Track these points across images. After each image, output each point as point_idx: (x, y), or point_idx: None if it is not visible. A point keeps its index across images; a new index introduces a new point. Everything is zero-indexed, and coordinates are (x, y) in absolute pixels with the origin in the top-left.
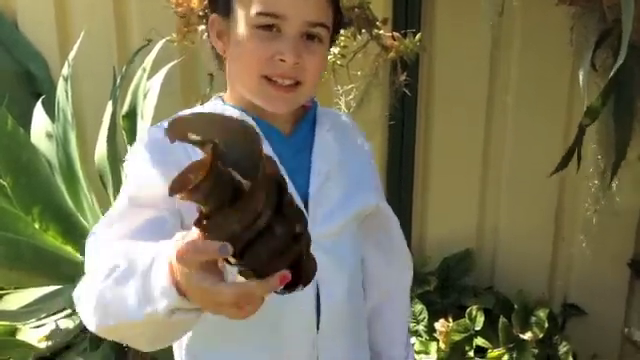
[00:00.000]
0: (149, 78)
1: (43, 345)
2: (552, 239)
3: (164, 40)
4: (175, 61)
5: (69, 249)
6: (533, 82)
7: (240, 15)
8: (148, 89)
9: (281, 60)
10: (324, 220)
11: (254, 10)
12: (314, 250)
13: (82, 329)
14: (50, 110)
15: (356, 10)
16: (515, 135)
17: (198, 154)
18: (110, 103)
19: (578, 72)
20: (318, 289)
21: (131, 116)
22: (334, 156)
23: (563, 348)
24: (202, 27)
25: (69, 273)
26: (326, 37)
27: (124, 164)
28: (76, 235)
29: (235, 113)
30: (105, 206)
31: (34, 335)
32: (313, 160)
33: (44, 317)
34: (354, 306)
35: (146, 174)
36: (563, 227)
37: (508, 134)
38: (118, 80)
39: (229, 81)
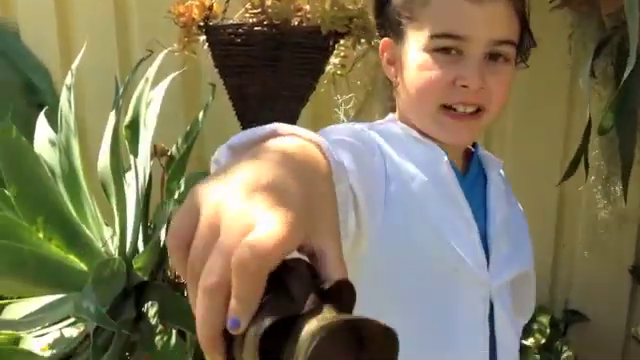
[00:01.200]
0: (152, 88)
1: (46, 354)
2: (553, 246)
3: (166, 51)
4: (178, 72)
5: (72, 258)
6: (532, 88)
7: (414, 38)
8: (151, 99)
9: (463, 86)
10: (502, 266)
11: (431, 32)
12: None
13: (85, 337)
14: (53, 121)
15: (355, 20)
16: (514, 144)
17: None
18: (113, 113)
19: (577, 80)
20: (495, 344)
21: (134, 126)
22: (505, 205)
23: (565, 354)
24: (203, 37)
25: (72, 282)
26: (512, 55)
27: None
28: (79, 244)
29: (425, 141)
30: (107, 216)
31: (37, 344)
32: (489, 201)
33: (47, 326)
34: None
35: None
36: (563, 234)
37: (507, 143)
38: (121, 90)
39: (400, 110)
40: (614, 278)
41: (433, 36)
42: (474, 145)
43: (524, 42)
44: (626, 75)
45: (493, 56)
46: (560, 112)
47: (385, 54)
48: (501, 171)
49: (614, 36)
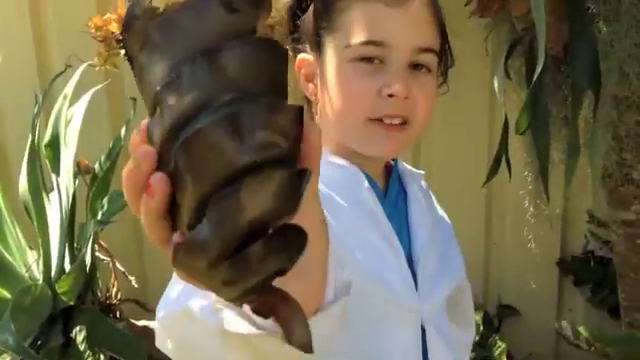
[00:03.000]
0: (72, 104)
1: None
2: (484, 244)
3: (85, 65)
4: (98, 86)
5: None
6: (454, 92)
7: (333, 49)
8: (71, 116)
9: (390, 95)
10: (431, 286)
11: (352, 40)
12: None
13: None
14: None
15: (277, 28)
16: (441, 149)
17: None
18: (30, 132)
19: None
20: None
21: (54, 144)
22: (428, 220)
23: (498, 349)
24: (124, 51)
25: None
26: (434, 65)
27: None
28: (0, 270)
29: (340, 162)
30: (31, 239)
31: None
32: (412, 221)
33: None
34: None
35: None
36: (493, 232)
37: (434, 148)
38: (35, 109)
39: (323, 127)
40: (543, 272)
41: (354, 45)
42: (394, 160)
43: (445, 53)
44: (536, 75)
45: (416, 66)
46: (483, 114)
47: (302, 71)
48: (422, 182)
49: (525, 37)
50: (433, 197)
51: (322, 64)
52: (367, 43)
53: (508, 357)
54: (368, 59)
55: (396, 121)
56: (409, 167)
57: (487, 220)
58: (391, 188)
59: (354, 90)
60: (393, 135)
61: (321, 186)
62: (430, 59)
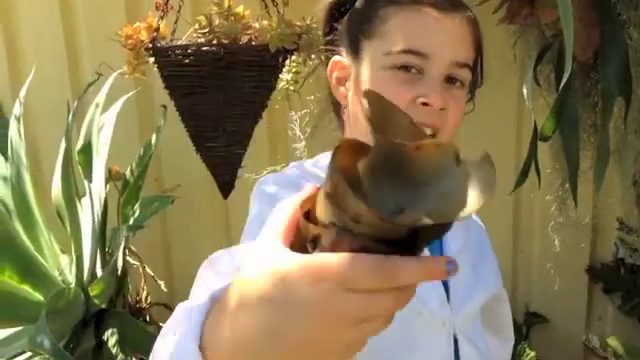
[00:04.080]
0: (104, 112)
1: None
2: (511, 251)
3: (116, 73)
4: (128, 94)
5: (27, 289)
6: (482, 99)
7: (371, 55)
8: (103, 123)
9: (424, 104)
10: (463, 299)
11: (393, 48)
12: (460, 342)
13: None
14: (3, 151)
15: (304, 36)
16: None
17: None
18: (63, 140)
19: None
20: None
21: (86, 151)
22: (460, 227)
23: (526, 357)
24: (153, 59)
25: (28, 314)
26: (468, 81)
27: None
28: (34, 274)
29: None
30: (64, 243)
31: None
32: None
33: None
34: None
35: None
36: (520, 240)
37: (461, 152)
38: (69, 117)
39: (350, 133)
40: (571, 279)
41: (395, 52)
42: None
43: (477, 71)
44: (564, 81)
45: (450, 79)
46: (510, 121)
47: (335, 73)
48: None
49: (554, 43)
50: None
51: (358, 69)
52: (408, 52)
53: None
54: (406, 68)
55: (428, 131)
56: None
57: (514, 227)
58: None
59: (389, 96)
60: None
61: None
62: (465, 74)
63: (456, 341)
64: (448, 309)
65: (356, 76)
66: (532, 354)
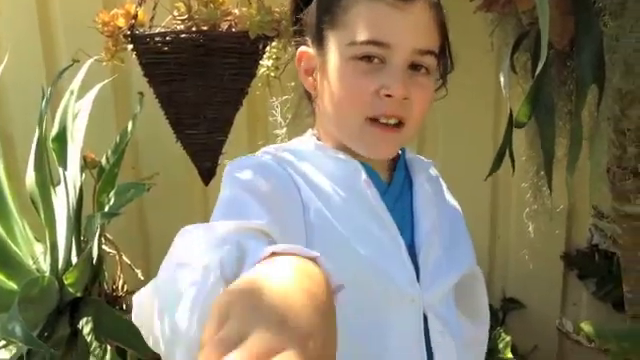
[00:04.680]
0: (79, 99)
1: None
2: (488, 238)
3: (92, 60)
4: (104, 81)
5: (0, 277)
6: (459, 85)
7: (335, 46)
8: (78, 110)
9: (387, 95)
10: (434, 277)
11: (354, 39)
12: (429, 319)
13: (20, 359)
14: None
15: (283, 23)
16: (445, 142)
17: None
18: (37, 127)
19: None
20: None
21: (61, 139)
22: (433, 209)
23: (502, 342)
24: (131, 46)
25: (1, 303)
26: (433, 67)
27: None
28: (8, 263)
29: (340, 156)
30: (38, 231)
31: None
32: (416, 211)
33: None
34: None
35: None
36: (497, 226)
37: (439, 141)
38: (43, 103)
39: (320, 121)
40: (547, 266)
41: (356, 43)
42: (401, 149)
43: (444, 56)
44: (539, 69)
45: (415, 67)
46: (488, 109)
47: (302, 64)
48: (431, 171)
49: (531, 31)
50: (444, 185)
51: (323, 59)
52: (370, 42)
53: (513, 350)
54: (368, 58)
55: (392, 121)
56: (419, 157)
57: (491, 213)
58: (396, 178)
59: (353, 88)
60: (388, 136)
61: (322, 178)
62: (430, 61)
63: (426, 319)
64: (417, 287)
65: (322, 66)
66: (507, 339)
